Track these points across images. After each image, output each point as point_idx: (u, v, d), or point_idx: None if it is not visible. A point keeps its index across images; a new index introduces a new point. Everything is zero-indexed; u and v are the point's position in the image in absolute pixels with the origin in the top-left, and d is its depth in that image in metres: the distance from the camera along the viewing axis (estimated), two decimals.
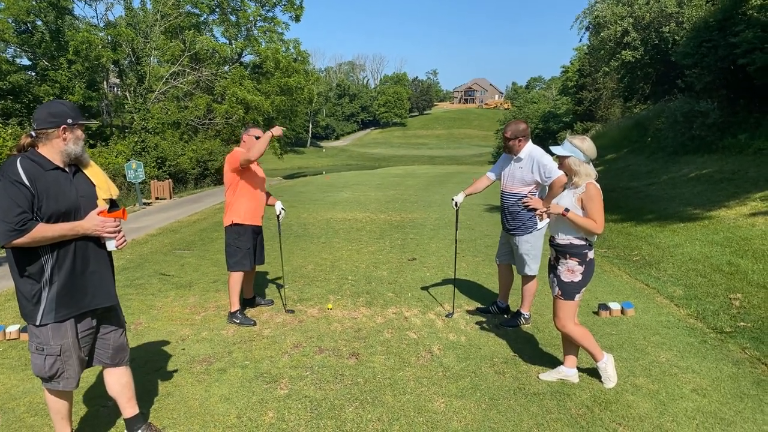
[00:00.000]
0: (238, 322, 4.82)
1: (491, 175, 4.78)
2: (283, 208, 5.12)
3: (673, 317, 4.97)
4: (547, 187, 4.34)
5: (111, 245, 2.60)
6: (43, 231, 2.36)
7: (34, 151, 2.46)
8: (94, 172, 2.66)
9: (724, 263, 6.48)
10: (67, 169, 2.53)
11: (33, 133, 2.47)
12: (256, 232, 4.91)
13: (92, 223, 2.51)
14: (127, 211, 2.63)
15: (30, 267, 2.43)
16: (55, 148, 2.48)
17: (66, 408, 2.72)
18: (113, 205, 2.69)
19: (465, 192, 4.83)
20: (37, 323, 2.48)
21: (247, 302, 5.25)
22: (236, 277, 4.82)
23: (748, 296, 5.34)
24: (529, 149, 4.41)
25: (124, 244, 2.67)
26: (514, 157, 4.48)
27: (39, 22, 24.84)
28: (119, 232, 2.60)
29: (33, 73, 25.56)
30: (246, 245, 4.79)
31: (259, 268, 6.19)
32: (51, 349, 2.51)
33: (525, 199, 4.37)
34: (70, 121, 2.50)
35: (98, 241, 2.60)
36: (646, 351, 4.17)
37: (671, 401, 3.39)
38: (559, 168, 3.58)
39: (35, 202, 2.35)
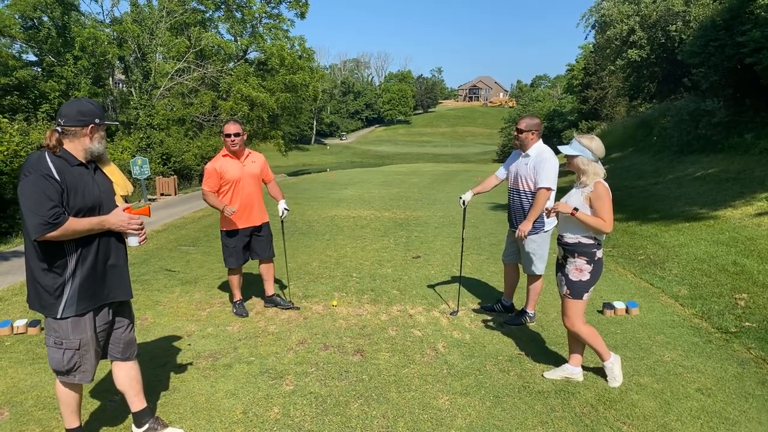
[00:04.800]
0: (235, 311, 4.97)
1: (500, 174, 4.78)
2: (286, 208, 4.96)
3: (677, 317, 4.96)
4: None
5: (133, 241, 2.66)
6: (74, 225, 2.40)
7: (59, 146, 2.49)
8: (110, 169, 2.73)
9: (729, 263, 6.47)
10: (88, 166, 2.57)
11: (59, 129, 2.49)
12: (249, 231, 4.85)
13: (119, 218, 2.56)
14: (133, 207, 2.68)
15: (54, 260, 2.46)
16: (80, 146, 2.53)
17: (76, 401, 2.75)
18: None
19: (473, 190, 4.83)
20: (58, 316, 2.50)
21: (267, 300, 5.24)
22: (230, 273, 4.93)
23: (754, 296, 5.33)
24: (539, 149, 4.40)
25: (145, 240, 2.71)
26: (523, 154, 4.48)
27: (45, 18, 24.93)
28: (142, 228, 2.65)
29: (39, 69, 25.68)
30: (232, 243, 4.78)
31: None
32: (70, 343, 2.54)
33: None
34: (98, 120, 2.55)
35: (120, 236, 2.65)
36: (650, 350, 4.17)
37: (676, 400, 3.39)
38: (568, 167, 3.57)
39: (64, 197, 2.39)
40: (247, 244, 4.88)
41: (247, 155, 4.80)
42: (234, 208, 4.58)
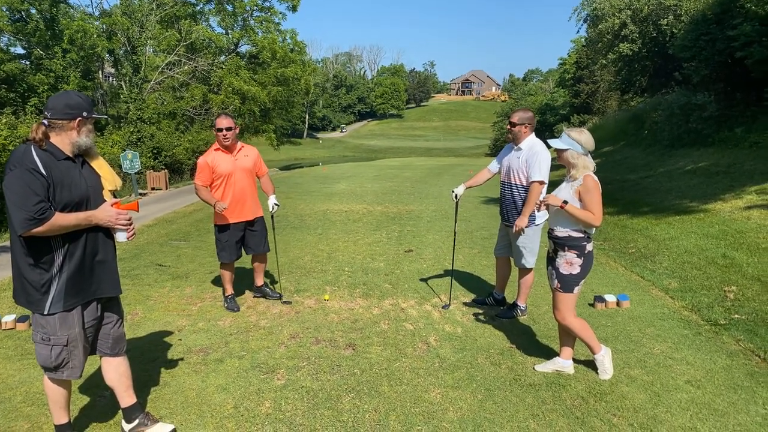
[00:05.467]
0: (226, 306, 4.96)
1: (493, 168, 4.78)
2: (276, 203, 4.90)
3: (668, 309, 5.00)
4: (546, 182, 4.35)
5: (122, 237, 2.62)
6: (61, 220, 2.36)
7: (45, 140, 2.45)
8: (98, 163, 2.68)
9: (719, 256, 6.51)
10: (75, 160, 2.54)
11: (46, 122, 2.45)
12: (242, 226, 4.82)
13: (107, 214, 2.53)
14: (122, 202, 2.65)
15: (41, 256, 2.43)
16: (67, 139, 2.49)
17: (65, 397, 2.73)
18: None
19: (465, 184, 4.82)
20: (45, 312, 2.47)
21: (255, 290, 5.27)
22: (222, 267, 4.92)
23: (743, 289, 5.37)
24: (531, 142, 4.41)
25: (134, 236, 2.68)
26: (515, 147, 4.48)
27: (33, 11, 24.57)
28: (130, 224, 2.61)
29: (27, 62, 25.35)
30: (225, 238, 4.76)
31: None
32: (58, 339, 2.52)
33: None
34: (85, 114, 2.51)
35: (107, 231, 2.62)
36: (641, 343, 4.20)
37: (665, 392, 3.42)
38: (558, 161, 3.57)
39: (50, 191, 2.35)
40: (240, 239, 4.86)
41: (240, 149, 4.74)
42: (225, 204, 4.53)
